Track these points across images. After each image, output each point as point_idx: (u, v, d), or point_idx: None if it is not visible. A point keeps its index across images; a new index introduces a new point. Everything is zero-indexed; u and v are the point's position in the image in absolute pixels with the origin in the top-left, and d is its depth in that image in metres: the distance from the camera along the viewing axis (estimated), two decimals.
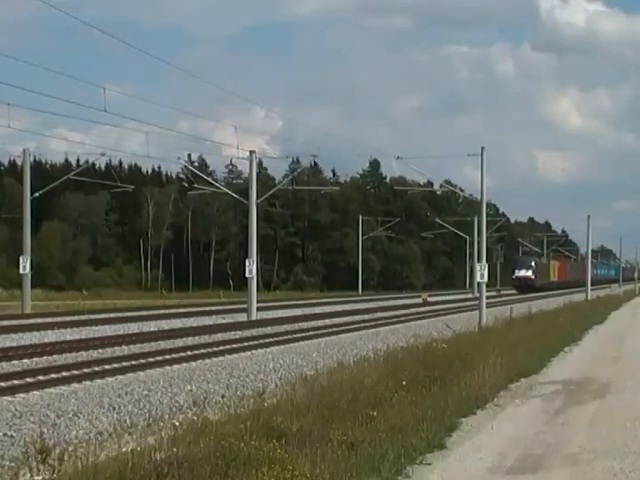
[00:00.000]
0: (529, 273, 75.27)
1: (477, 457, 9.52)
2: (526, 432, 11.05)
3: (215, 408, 12.91)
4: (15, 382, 15.35)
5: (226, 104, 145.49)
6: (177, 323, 30.78)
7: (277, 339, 24.55)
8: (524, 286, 72.45)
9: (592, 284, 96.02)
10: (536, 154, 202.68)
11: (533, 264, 77.37)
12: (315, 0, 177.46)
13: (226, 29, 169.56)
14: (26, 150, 41.10)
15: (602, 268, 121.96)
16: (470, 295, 59.72)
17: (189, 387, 15.43)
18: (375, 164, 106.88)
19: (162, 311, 37.93)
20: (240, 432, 8.88)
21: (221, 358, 19.94)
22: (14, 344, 22.02)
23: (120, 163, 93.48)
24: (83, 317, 32.11)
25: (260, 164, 77.83)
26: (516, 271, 77.16)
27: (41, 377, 16.15)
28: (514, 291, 73.45)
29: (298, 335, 25.98)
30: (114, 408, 13.19)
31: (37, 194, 40.28)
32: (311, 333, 26.89)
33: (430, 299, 53.29)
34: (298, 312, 38.73)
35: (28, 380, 15.71)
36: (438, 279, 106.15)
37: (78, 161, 76.77)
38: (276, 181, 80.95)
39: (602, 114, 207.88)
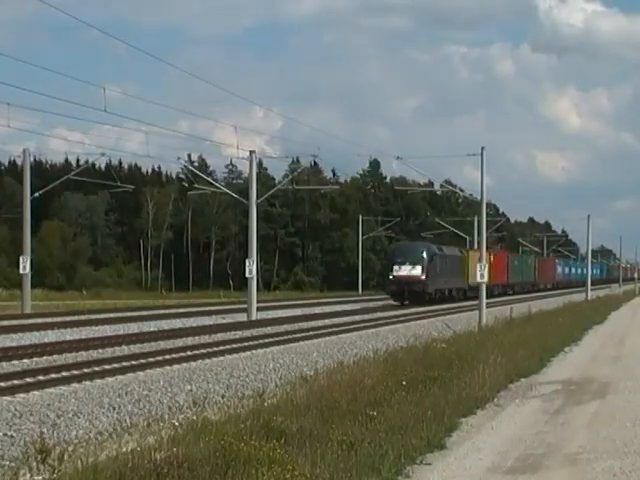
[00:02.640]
0: (416, 271, 46.49)
1: (477, 457, 9.52)
2: (526, 432, 11.04)
3: (215, 408, 12.91)
4: (15, 382, 15.35)
5: (226, 104, 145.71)
6: (177, 323, 30.78)
7: (277, 339, 24.56)
8: (407, 292, 46.42)
9: (559, 287, 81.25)
10: (536, 154, 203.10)
11: (424, 255, 47.31)
12: (314, 1, 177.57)
13: (226, 29, 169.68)
14: (26, 150, 41.09)
15: (575, 266, 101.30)
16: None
17: (189, 387, 15.43)
18: (375, 164, 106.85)
19: (162, 311, 37.93)
20: (240, 432, 8.88)
21: (221, 358, 19.95)
22: (14, 344, 22.03)
23: (120, 163, 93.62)
24: (83, 317, 32.11)
25: (260, 164, 77.89)
26: (394, 268, 47.32)
27: (41, 377, 16.15)
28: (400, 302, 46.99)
29: (298, 335, 26.00)
30: (114, 408, 13.19)
31: (37, 194, 40.26)
32: (311, 333, 26.90)
33: None
34: (298, 312, 38.74)
35: (28, 380, 15.71)
36: None
37: (78, 161, 76.93)
38: (276, 181, 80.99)
39: (601, 114, 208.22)
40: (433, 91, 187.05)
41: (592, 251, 78.30)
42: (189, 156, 79.29)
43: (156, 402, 13.94)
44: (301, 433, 9.27)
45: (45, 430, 11.06)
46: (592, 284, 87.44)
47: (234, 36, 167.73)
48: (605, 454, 9.62)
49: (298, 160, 72.95)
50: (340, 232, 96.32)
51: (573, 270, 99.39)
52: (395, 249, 52.40)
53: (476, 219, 55.38)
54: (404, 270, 46.56)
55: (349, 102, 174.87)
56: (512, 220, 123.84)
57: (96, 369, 17.34)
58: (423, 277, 46.46)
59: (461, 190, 71.28)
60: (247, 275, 35.16)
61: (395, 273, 46.90)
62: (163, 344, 22.82)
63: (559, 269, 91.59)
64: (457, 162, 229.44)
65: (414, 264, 46.65)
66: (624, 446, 10.02)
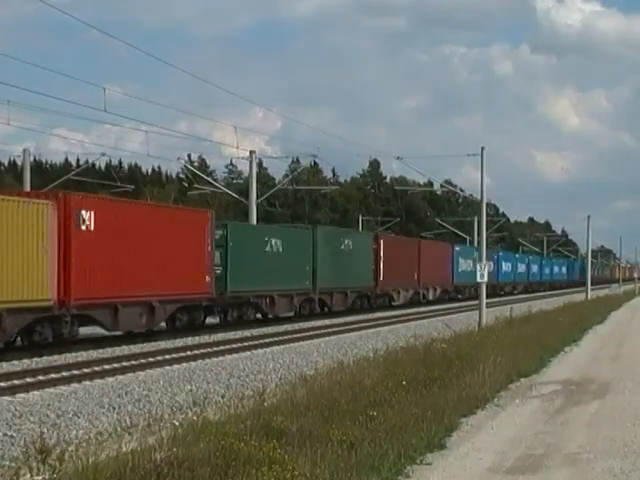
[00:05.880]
0: None
1: (477, 457, 9.51)
2: (526, 432, 11.04)
3: (215, 408, 12.90)
4: (15, 382, 15.36)
5: (226, 104, 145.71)
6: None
7: (277, 339, 24.57)
8: None
9: (463, 296, 50.97)
10: (535, 154, 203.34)
11: None
12: (314, 1, 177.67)
13: (226, 29, 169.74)
14: (26, 150, 41.18)
15: (511, 260, 68.62)
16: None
17: (189, 387, 15.44)
18: (375, 164, 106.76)
19: None
20: (240, 432, 8.87)
21: (221, 358, 19.96)
22: None
23: (120, 163, 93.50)
24: None
25: (260, 164, 77.89)
26: None
27: (41, 377, 16.16)
28: None
29: (298, 335, 26.01)
30: (114, 408, 13.19)
31: None
32: (311, 333, 26.91)
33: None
34: None
35: (28, 380, 15.72)
36: None
37: (78, 161, 76.86)
38: (276, 181, 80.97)
39: (600, 114, 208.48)
40: (432, 91, 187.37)
41: (592, 250, 78.06)
42: (189, 156, 79.30)
43: (156, 402, 13.94)
44: (301, 433, 9.26)
45: (45, 430, 11.06)
46: (555, 287, 71.90)
47: (234, 36, 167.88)
48: (605, 454, 9.62)
49: (298, 160, 73.02)
50: None
51: (506, 267, 63.36)
52: None
53: (476, 219, 55.31)
54: None
55: (349, 102, 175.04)
56: (512, 220, 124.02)
57: (96, 369, 17.34)
58: None
59: (461, 190, 71.32)
60: None
61: None
62: (163, 344, 22.82)
63: (463, 263, 53.27)
64: (457, 162, 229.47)
65: None
66: (624, 446, 10.02)
